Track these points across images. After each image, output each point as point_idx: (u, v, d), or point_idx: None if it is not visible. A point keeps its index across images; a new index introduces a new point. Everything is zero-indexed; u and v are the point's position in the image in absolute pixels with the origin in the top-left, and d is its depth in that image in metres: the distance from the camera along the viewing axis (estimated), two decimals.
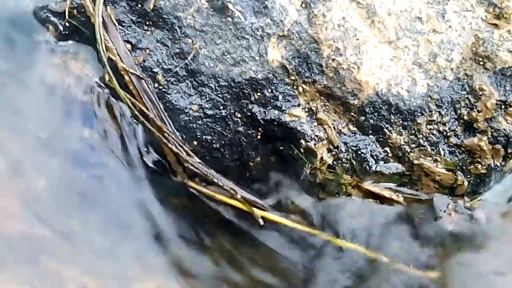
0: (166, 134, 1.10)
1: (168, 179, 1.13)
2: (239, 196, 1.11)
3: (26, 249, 1.00)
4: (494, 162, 1.13)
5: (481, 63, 1.12)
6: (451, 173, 1.14)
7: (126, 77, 1.11)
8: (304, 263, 1.10)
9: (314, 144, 1.12)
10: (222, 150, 1.14)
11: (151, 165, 1.13)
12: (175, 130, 1.12)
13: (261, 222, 1.10)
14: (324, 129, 1.13)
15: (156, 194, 1.12)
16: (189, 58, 1.10)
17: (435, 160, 1.14)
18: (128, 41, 1.12)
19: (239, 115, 1.13)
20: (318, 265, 1.10)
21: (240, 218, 1.13)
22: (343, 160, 1.14)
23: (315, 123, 1.13)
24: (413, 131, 1.13)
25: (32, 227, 1.03)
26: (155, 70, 1.12)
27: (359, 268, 1.11)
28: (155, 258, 1.07)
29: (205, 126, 1.13)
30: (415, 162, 1.14)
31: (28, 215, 1.04)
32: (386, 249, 1.10)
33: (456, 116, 1.13)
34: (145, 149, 1.14)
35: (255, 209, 1.12)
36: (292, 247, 1.12)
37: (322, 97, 1.13)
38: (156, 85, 1.12)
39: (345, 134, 1.14)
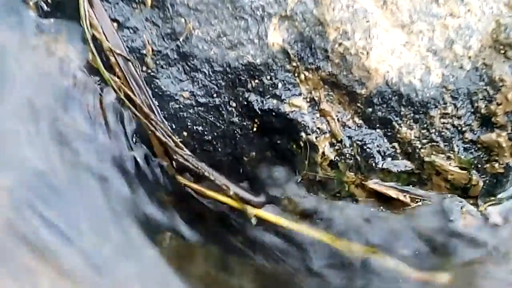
0: (153, 122, 1.07)
1: (156, 173, 1.09)
2: (231, 193, 1.08)
3: (6, 245, 0.97)
4: None
5: (502, 51, 1.08)
6: (465, 172, 1.10)
7: (112, 58, 1.08)
8: (299, 266, 1.07)
9: (316, 138, 1.09)
10: (215, 143, 1.11)
11: (138, 156, 1.09)
12: (163, 119, 1.09)
13: (254, 221, 1.08)
14: (327, 121, 1.09)
15: (143, 188, 1.07)
16: (181, 40, 1.07)
17: (448, 158, 1.10)
18: (115, 19, 1.08)
19: (234, 104, 1.10)
20: (315, 269, 1.07)
21: (232, 216, 1.10)
22: (347, 155, 1.10)
23: (317, 115, 1.09)
24: (425, 125, 1.10)
25: (12, 221, 0.99)
26: (144, 51, 1.08)
27: (360, 273, 1.07)
28: (142, 258, 1.03)
29: (197, 116, 1.09)
30: (426, 159, 1.10)
31: (8, 207, 1.00)
32: (392, 254, 1.06)
33: (472, 109, 1.09)
34: (133, 139, 1.09)
35: (248, 207, 1.09)
36: (287, 249, 1.08)
37: (326, 86, 1.09)
38: (145, 68, 1.08)
39: (350, 127, 1.10)
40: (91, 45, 1.06)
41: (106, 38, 1.07)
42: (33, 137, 1.05)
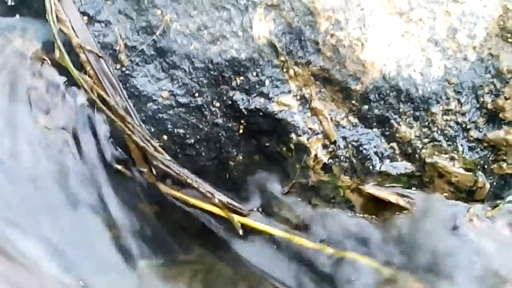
0: (130, 126, 1.04)
1: (133, 180, 1.08)
2: (216, 201, 1.06)
3: None
4: None
5: (510, 40, 1.07)
6: (470, 173, 1.09)
7: (82, 56, 1.05)
8: (291, 278, 1.04)
9: (307, 139, 1.08)
10: (197, 147, 1.10)
11: (112, 163, 1.07)
12: (141, 122, 1.07)
13: (241, 231, 1.06)
14: (319, 120, 1.08)
15: (119, 197, 1.05)
16: (157, 34, 1.05)
17: (452, 158, 1.09)
18: (84, 12, 1.06)
19: (217, 104, 1.08)
20: (308, 281, 1.04)
21: (218, 226, 1.09)
22: (342, 158, 1.09)
23: (309, 114, 1.08)
24: (426, 123, 1.08)
25: None
26: (117, 47, 1.06)
27: (358, 284, 1.03)
28: (118, 276, 0.99)
29: (177, 117, 1.08)
30: (428, 160, 1.09)
31: None
32: (391, 263, 1.03)
33: (478, 105, 1.08)
34: (106, 144, 1.08)
35: (235, 216, 1.07)
36: (277, 260, 1.06)
37: (317, 82, 1.08)
38: (118, 66, 1.06)
39: (344, 127, 1.09)
40: (58, 41, 1.03)
41: (75, 33, 1.05)
42: None
